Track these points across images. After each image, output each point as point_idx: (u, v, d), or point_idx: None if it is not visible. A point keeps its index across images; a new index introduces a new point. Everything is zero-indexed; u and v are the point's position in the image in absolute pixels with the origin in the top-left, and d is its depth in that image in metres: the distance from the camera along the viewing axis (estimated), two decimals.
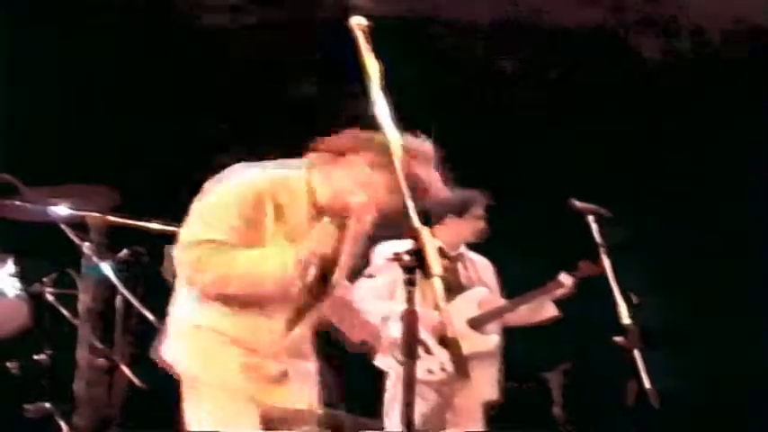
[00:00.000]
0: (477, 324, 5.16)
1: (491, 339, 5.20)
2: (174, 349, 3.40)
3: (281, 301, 3.33)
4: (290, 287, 3.30)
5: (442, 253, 5.15)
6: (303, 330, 3.43)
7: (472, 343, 5.07)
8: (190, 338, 3.36)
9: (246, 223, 3.25)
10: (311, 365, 3.50)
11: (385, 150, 3.09)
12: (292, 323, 3.38)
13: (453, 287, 5.14)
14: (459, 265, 5.28)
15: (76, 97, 6.41)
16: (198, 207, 3.33)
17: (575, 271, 5.10)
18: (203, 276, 3.25)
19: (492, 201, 5.30)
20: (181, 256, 3.30)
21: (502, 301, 5.33)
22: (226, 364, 3.31)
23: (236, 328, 3.32)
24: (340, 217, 3.38)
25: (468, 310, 5.17)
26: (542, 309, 5.27)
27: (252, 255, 3.25)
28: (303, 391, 3.44)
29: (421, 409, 4.91)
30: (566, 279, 5.20)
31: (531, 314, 5.30)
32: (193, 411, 3.34)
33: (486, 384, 5.17)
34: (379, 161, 3.28)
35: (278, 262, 3.25)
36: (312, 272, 3.35)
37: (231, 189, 3.30)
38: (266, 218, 3.27)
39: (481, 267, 5.35)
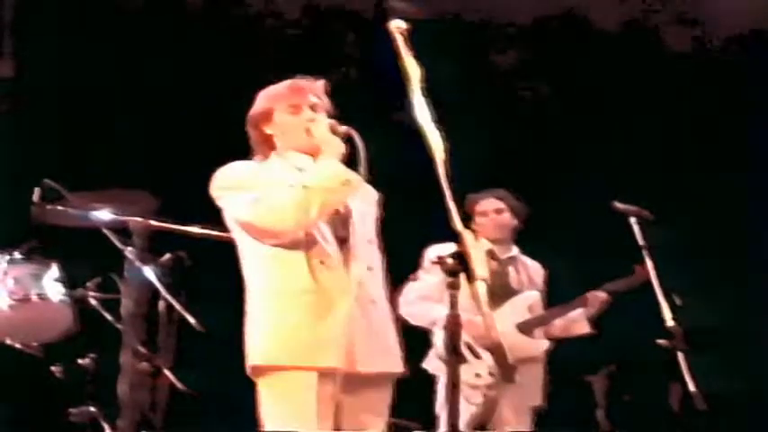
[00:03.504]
0: (526, 328, 5.13)
1: (540, 344, 5.16)
2: (249, 348, 3.37)
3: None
4: (350, 180, 3.30)
5: (492, 256, 5.13)
6: (362, 275, 3.40)
7: (521, 347, 5.04)
8: (267, 329, 3.34)
9: (268, 183, 3.35)
10: (378, 330, 3.42)
11: (283, 91, 3.47)
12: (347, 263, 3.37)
13: (503, 291, 5.11)
14: (511, 269, 5.25)
15: (117, 102, 6.46)
16: (224, 200, 3.41)
17: (632, 274, 5.03)
18: (285, 210, 3.27)
19: (508, 196, 5.26)
20: (248, 216, 3.33)
21: (548, 307, 5.29)
22: (305, 340, 3.29)
23: (310, 299, 3.31)
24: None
25: (518, 315, 5.14)
26: (576, 324, 5.23)
27: (300, 176, 3.33)
28: (374, 354, 3.39)
29: (469, 412, 4.90)
30: (593, 297, 5.15)
31: (563, 329, 5.26)
32: (269, 402, 3.31)
33: (534, 389, 5.14)
34: (287, 103, 3.47)
35: (322, 163, 3.33)
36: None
37: (236, 169, 3.43)
38: (274, 182, 3.36)
39: (534, 271, 5.32)
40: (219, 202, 3.45)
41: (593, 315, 5.17)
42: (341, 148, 3.36)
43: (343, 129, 3.38)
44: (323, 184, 3.30)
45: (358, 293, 3.37)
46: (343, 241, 3.40)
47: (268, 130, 3.52)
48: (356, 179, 3.32)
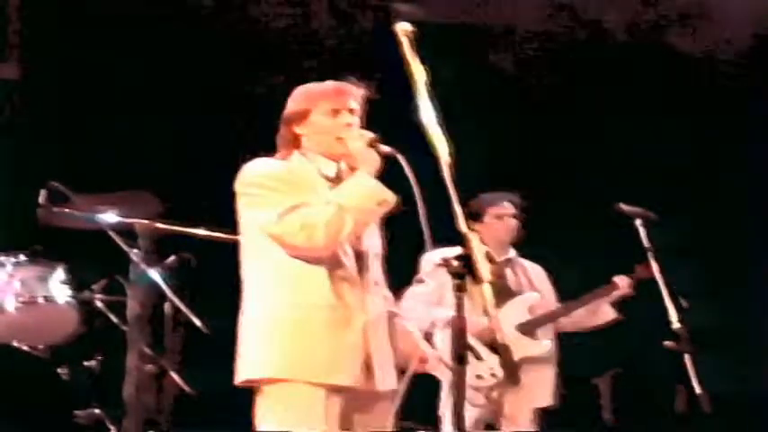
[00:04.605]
0: (526, 329, 5.13)
1: (542, 345, 5.16)
2: (252, 357, 3.31)
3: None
4: (387, 199, 3.24)
5: (489, 258, 5.13)
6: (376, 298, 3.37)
7: (523, 348, 5.04)
8: (272, 340, 3.28)
9: (296, 188, 3.27)
10: (389, 347, 3.41)
11: (326, 92, 3.37)
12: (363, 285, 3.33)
13: (501, 292, 5.11)
14: (509, 271, 5.26)
15: (122, 104, 6.46)
16: (249, 200, 3.31)
17: (631, 274, 5.04)
18: (317, 229, 3.18)
19: (520, 199, 5.27)
20: (277, 229, 3.22)
21: (555, 307, 5.28)
22: (313, 358, 3.24)
23: (318, 315, 3.26)
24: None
25: (518, 316, 5.14)
26: (600, 313, 5.22)
27: (334, 191, 3.26)
28: (386, 375, 3.36)
29: (471, 414, 4.90)
30: (620, 281, 5.14)
31: (588, 319, 5.24)
32: (271, 413, 3.27)
33: (538, 390, 5.13)
34: (328, 106, 3.36)
35: (359, 180, 3.24)
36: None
37: (264, 169, 3.33)
38: (301, 188, 3.29)
39: (533, 273, 5.32)
40: (243, 200, 3.34)
41: (616, 300, 5.15)
42: (377, 163, 3.26)
43: (386, 149, 3.27)
44: (358, 203, 3.21)
45: (372, 309, 3.34)
46: (358, 255, 3.35)
47: (299, 130, 3.42)
48: (391, 197, 3.25)
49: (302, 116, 3.41)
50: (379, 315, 3.37)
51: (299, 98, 3.45)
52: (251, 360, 3.31)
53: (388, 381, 3.36)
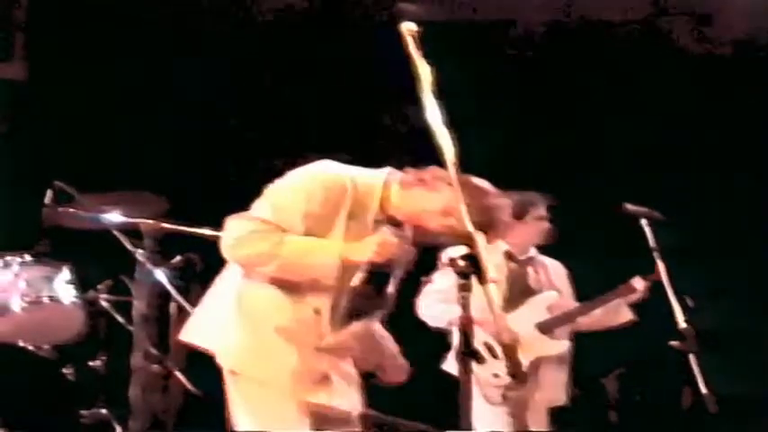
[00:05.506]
0: (546, 328, 5.11)
1: (561, 344, 5.15)
2: (217, 337, 3.38)
3: (319, 292, 3.30)
4: (326, 282, 3.27)
5: (511, 257, 5.13)
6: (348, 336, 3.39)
7: (541, 347, 5.04)
8: (239, 331, 3.34)
9: (319, 210, 3.25)
10: (352, 368, 3.46)
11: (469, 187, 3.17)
12: (339, 323, 3.36)
13: (522, 291, 5.11)
14: (530, 269, 5.24)
15: (128, 104, 6.47)
16: (272, 188, 3.33)
17: (649, 275, 5.02)
18: (243, 248, 3.24)
19: (554, 201, 5.26)
20: (231, 224, 3.29)
21: (574, 306, 5.27)
22: (274, 360, 3.30)
23: (283, 317, 3.31)
24: (398, 229, 3.35)
25: (537, 315, 5.13)
26: (618, 313, 5.20)
27: (301, 242, 3.24)
28: (346, 392, 3.42)
29: (490, 411, 4.90)
30: (638, 283, 5.12)
31: (607, 319, 5.22)
32: (240, 410, 3.35)
33: (554, 389, 5.12)
34: (444, 201, 3.28)
35: (324, 257, 3.24)
36: (358, 277, 3.34)
37: (317, 175, 3.31)
38: (342, 208, 3.27)
39: (553, 271, 5.30)
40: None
41: (634, 301, 5.14)
42: (364, 257, 3.24)
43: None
44: (300, 258, 3.23)
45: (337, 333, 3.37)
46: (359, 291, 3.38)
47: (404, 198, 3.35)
48: (323, 281, 3.24)
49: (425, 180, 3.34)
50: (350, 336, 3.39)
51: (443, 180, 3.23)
52: (225, 346, 3.36)
53: (349, 401, 3.41)
